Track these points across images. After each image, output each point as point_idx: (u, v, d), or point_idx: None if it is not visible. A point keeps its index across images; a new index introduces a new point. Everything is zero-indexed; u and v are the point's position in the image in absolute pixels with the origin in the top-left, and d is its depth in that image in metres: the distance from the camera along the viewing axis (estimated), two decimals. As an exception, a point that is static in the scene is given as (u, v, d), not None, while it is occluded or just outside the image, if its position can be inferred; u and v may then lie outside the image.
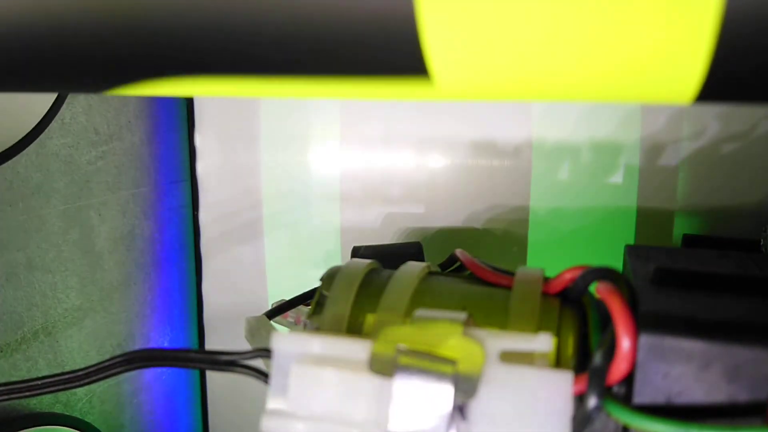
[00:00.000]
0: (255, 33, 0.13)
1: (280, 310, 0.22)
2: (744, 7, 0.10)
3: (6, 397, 0.19)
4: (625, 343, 0.15)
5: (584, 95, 0.14)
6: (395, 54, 0.13)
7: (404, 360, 0.15)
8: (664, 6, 0.11)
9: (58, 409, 0.31)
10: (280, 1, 0.12)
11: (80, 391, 0.33)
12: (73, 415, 0.32)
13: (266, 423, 0.16)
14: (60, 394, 0.31)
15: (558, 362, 0.16)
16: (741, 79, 0.12)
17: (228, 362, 0.18)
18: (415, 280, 0.18)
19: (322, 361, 0.16)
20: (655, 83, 0.12)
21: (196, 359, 0.18)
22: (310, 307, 0.19)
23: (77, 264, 0.32)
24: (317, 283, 0.19)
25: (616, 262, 0.19)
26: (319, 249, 0.38)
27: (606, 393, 0.15)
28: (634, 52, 0.12)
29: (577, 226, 0.33)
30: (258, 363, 0.18)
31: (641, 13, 0.11)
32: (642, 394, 0.15)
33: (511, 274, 0.19)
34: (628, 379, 0.15)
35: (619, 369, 0.15)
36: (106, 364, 0.18)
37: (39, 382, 0.19)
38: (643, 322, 0.15)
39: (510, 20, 0.11)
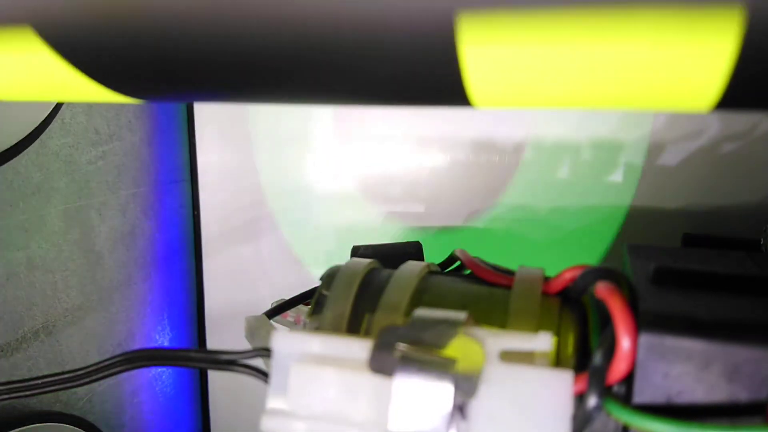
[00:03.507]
0: (308, 66, 0.13)
1: (280, 309, 0.22)
2: (765, 19, 0.10)
3: (6, 396, 0.19)
4: (625, 342, 0.15)
5: (614, 104, 0.14)
6: (439, 88, 0.13)
7: (404, 359, 0.15)
8: (688, 23, 0.11)
9: (58, 408, 0.31)
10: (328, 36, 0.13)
11: (81, 391, 0.33)
12: (74, 414, 0.32)
13: (266, 422, 0.16)
14: (60, 393, 0.31)
15: (558, 362, 0.16)
16: (760, 90, 0.12)
17: (228, 361, 0.18)
18: (415, 280, 0.18)
19: (321, 360, 0.16)
20: (678, 94, 0.13)
21: (196, 358, 0.18)
22: (309, 307, 0.19)
23: (77, 263, 0.32)
24: (317, 283, 0.19)
25: (617, 262, 0.19)
26: (319, 248, 0.38)
27: (606, 392, 0.15)
28: (659, 67, 0.12)
29: (577, 225, 0.33)
30: (258, 362, 0.18)
31: (665, 30, 0.11)
32: (642, 394, 0.15)
33: (511, 273, 0.19)
34: (628, 379, 0.15)
35: (619, 368, 0.15)
36: (107, 363, 0.18)
37: (39, 382, 0.19)
38: (643, 322, 0.15)
39: (545, 51, 0.12)
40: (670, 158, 0.31)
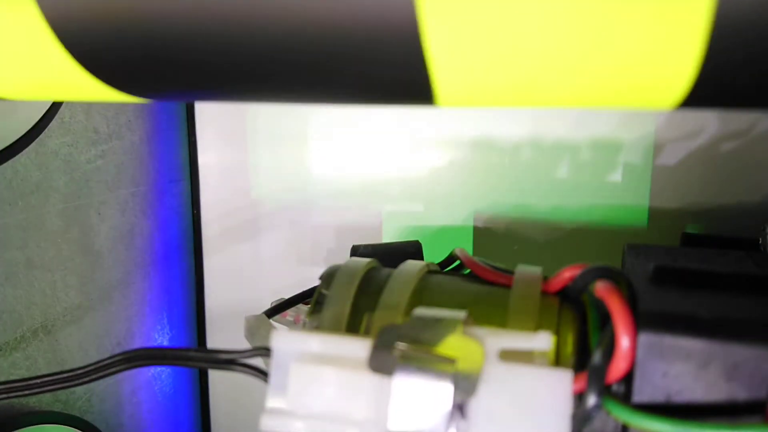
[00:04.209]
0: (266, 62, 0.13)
1: (279, 308, 0.22)
2: (735, 12, 0.10)
3: (5, 395, 0.19)
4: (624, 341, 0.15)
5: (576, 102, 0.14)
6: (401, 80, 0.13)
7: (403, 359, 0.15)
8: (655, 12, 0.11)
9: (57, 407, 0.31)
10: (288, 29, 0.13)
11: (79, 390, 0.33)
12: (73, 413, 0.32)
13: (265, 422, 0.16)
14: (59, 392, 0.31)
15: (557, 361, 0.16)
16: (729, 86, 0.12)
17: (227, 361, 0.18)
18: (414, 279, 0.18)
19: (321, 359, 0.16)
20: (645, 89, 0.12)
21: (195, 358, 0.18)
22: (309, 306, 0.19)
23: (77, 263, 0.32)
24: (317, 282, 0.19)
25: (616, 261, 0.19)
26: (319, 247, 0.38)
27: (605, 391, 0.15)
28: (626, 59, 0.12)
29: (576, 225, 0.33)
30: (257, 362, 0.18)
31: (632, 20, 0.11)
32: (641, 393, 0.15)
33: (511, 272, 0.19)
34: (628, 378, 0.15)
35: (618, 367, 0.15)
36: (106, 362, 0.18)
37: (38, 381, 0.19)
38: (642, 321, 0.15)
39: (507, 34, 0.12)
40: (670, 158, 0.31)
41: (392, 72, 0.13)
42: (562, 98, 0.14)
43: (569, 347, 0.16)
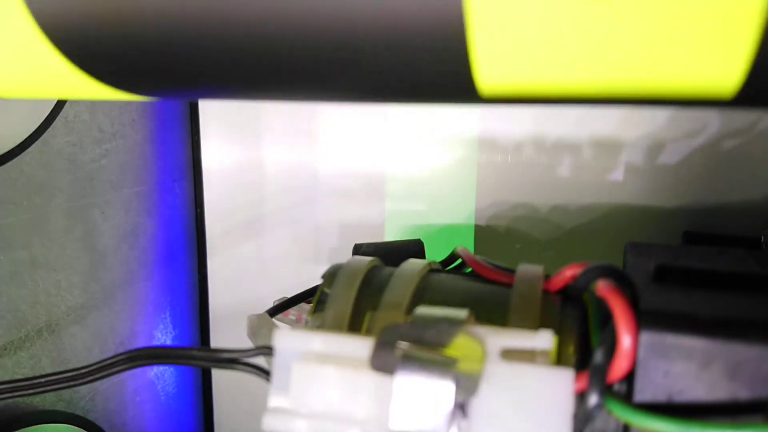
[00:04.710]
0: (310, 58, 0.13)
1: (281, 307, 0.22)
2: None
3: (9, 394, 0.19)
4: (625, 340, 0.15)
5: (629, 95, 0.13)
6: (444, 76, 0.13)
7: (405, 358, 0.15)
8: (704, 7, 0.10)
9: (60, 406, 0.31)
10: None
11: (83, 389, 0.33)
12: (76, 412, 0.32)
13: (268, 421, 0.16)
14: (63, 391, 0.31)
15: (559, 360, 0.16)
16: None
17: (230, 360, 0.18)
18: (416, 278, 0.18)
19: (323, 358, 0.16)
20: (694, 82, 0.12)
21: (198, 357, 0.18)
22: (311, 305, 0.19)
23: (81, 262, 0.32)
24: (319, 281, 0.19)
25: (617, 260, 0.19)
26: (321, 246, 0.38)
27: (607, 391, 0.15)
28: (674, 52, 0.11)
29: (578, 224, 0.33)
30: (260, 361, 0.18)
31: (679, 13, 0.11)
32: (643, 392, 0.15)
33: (512, 271, 0.19)
34: (629, 377, 0.15)
35: (619, 367, 0.15)
36: (109, 362, 0.18)
37: (42, 380, 0.19)
38: (643, 320, 0.15)
39: (555, 29, 0.11)
40: (670, 156, 0.31)
41: (436, 68, 0.13)
42: (605, 93, 0.13)
43: (571, 346, 0.16)
